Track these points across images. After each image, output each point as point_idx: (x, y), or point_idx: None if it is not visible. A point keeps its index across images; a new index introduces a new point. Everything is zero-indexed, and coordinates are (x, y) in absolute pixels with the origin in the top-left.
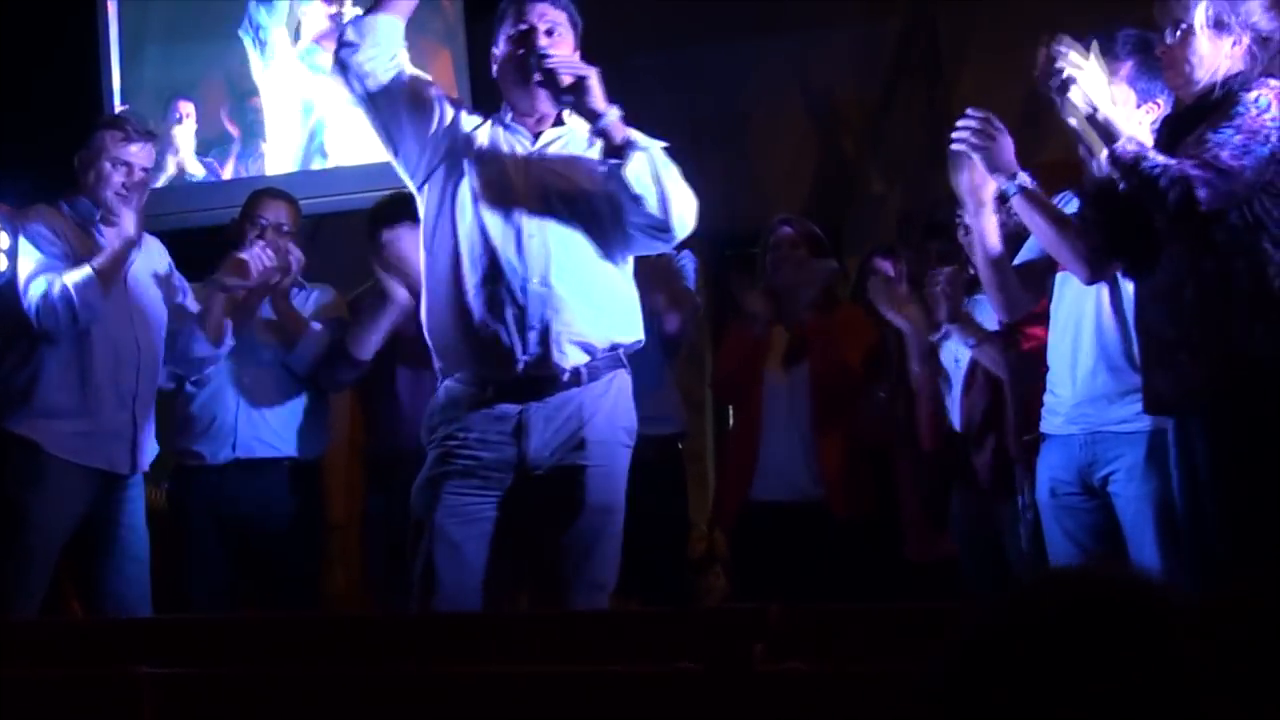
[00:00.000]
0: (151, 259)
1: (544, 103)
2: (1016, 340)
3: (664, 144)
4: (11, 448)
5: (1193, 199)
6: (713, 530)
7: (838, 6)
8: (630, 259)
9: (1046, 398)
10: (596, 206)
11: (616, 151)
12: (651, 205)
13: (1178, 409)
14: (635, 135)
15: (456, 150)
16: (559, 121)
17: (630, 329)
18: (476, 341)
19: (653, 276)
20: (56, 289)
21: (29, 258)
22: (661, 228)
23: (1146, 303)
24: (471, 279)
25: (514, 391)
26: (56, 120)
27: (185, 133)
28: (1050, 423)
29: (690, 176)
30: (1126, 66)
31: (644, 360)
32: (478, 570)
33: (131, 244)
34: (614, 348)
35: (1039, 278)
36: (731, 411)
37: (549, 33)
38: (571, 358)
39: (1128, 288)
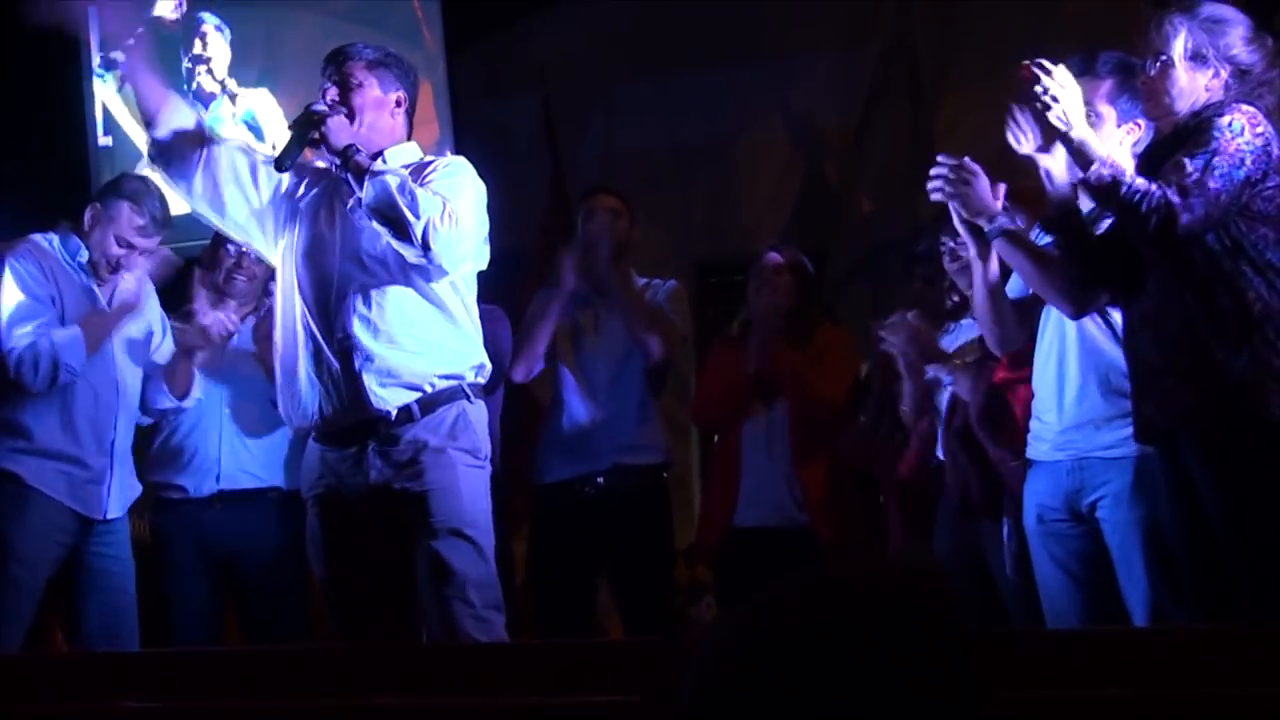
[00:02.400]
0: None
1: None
2: (987, 373)
3: (446, 162)
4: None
5: (1172, 224)
6: (693, 561)
7: (817, 32)
8: (459, 290)
9: (1032, 424)
10: (384, 249)
11: (359, 183)
12: (399, 230)
13: (1167, 435)
14: (379, 166)
15: (288, 213)
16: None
17: (458, 360)
18: (309, 400)
19: (634, 307)
20: (43, 345)
21: (13, 295)
22: (420, 248)
23: (1133, 329)
24: (299, 342)
25: (354, 434)
26: (39, 151)
27: None
28: (1037, 449)
29: (675, 204)
30: (1106, 85)
31: (627, 390)
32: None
33: (129, 311)
34: (449, 378)
35: (1028, 313)
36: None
37: (324, 93)
38: (393, 399)
39: (1113, 314)
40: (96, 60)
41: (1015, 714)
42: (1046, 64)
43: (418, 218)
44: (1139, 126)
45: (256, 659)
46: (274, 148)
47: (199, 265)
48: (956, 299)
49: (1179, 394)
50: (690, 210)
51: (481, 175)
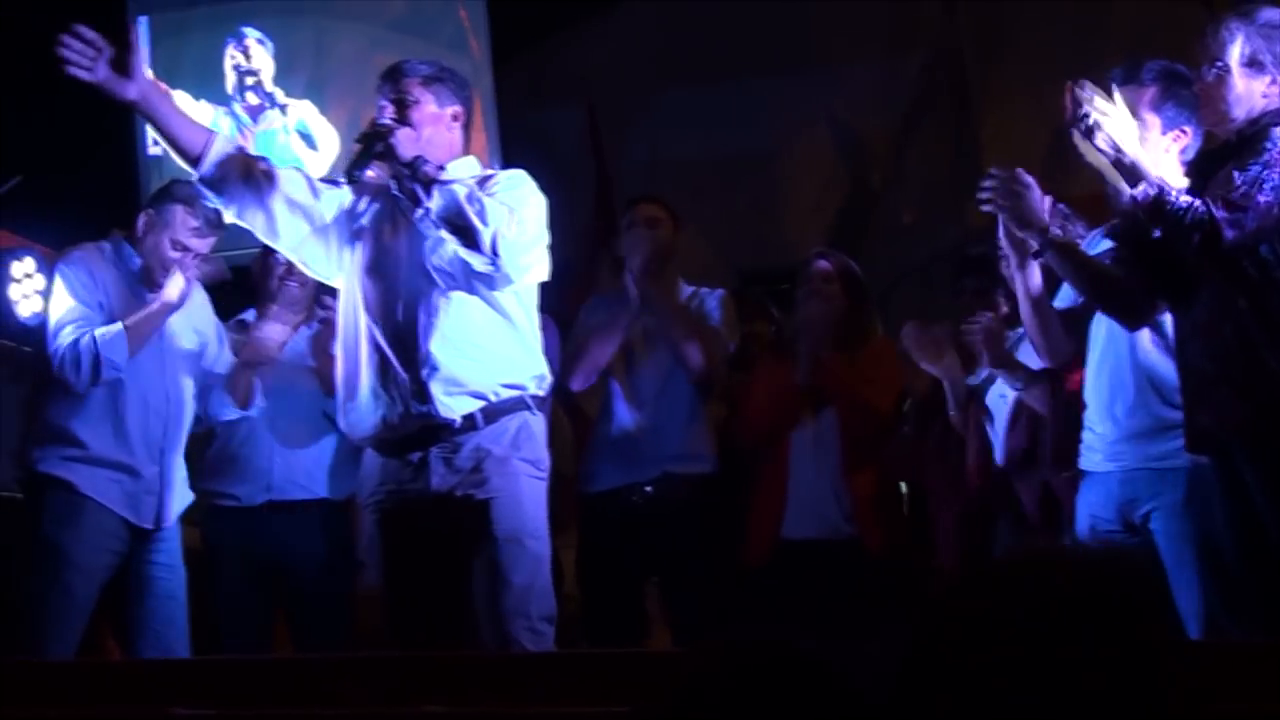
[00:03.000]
0: (193, 311)
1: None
2: (1061, 381)
3: (510, 175)
4: (48, 488)
5: (1217, 239)
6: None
7: (861, 41)
8: (522, 301)
9: (1085, 435)
10: (450, 260)
11: (428, 193)
12: (467, 238)
13: (1220, 445)
14: (445, 176)
15: (350, 231)
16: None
17: (521, 370)
18: (372, 411)
19: (674, 317)
20: (84, 342)
21: (63, 301)
22: (489, 255)
23: (1186, 340)
24: (362, 355)
25: (417, 442)
26: (91, 162)
27: None
28: (1089, 460)
29: (718, 213)
30: (1150, 92)
31: (676, 399)
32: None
33: (170, 309)
34: (512, 388)
35: (1078, 324)
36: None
37: (381, 110)
38: (458, 407)
39: (1165, 324)
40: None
41: None
42: (1087, 90)
43: (486, 225)
44: (1185, 134)
45: (305, 667)
46: (329, 159)
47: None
48: (1007, 309)
49: (1232, 404)
50: (733, 219)
51: None
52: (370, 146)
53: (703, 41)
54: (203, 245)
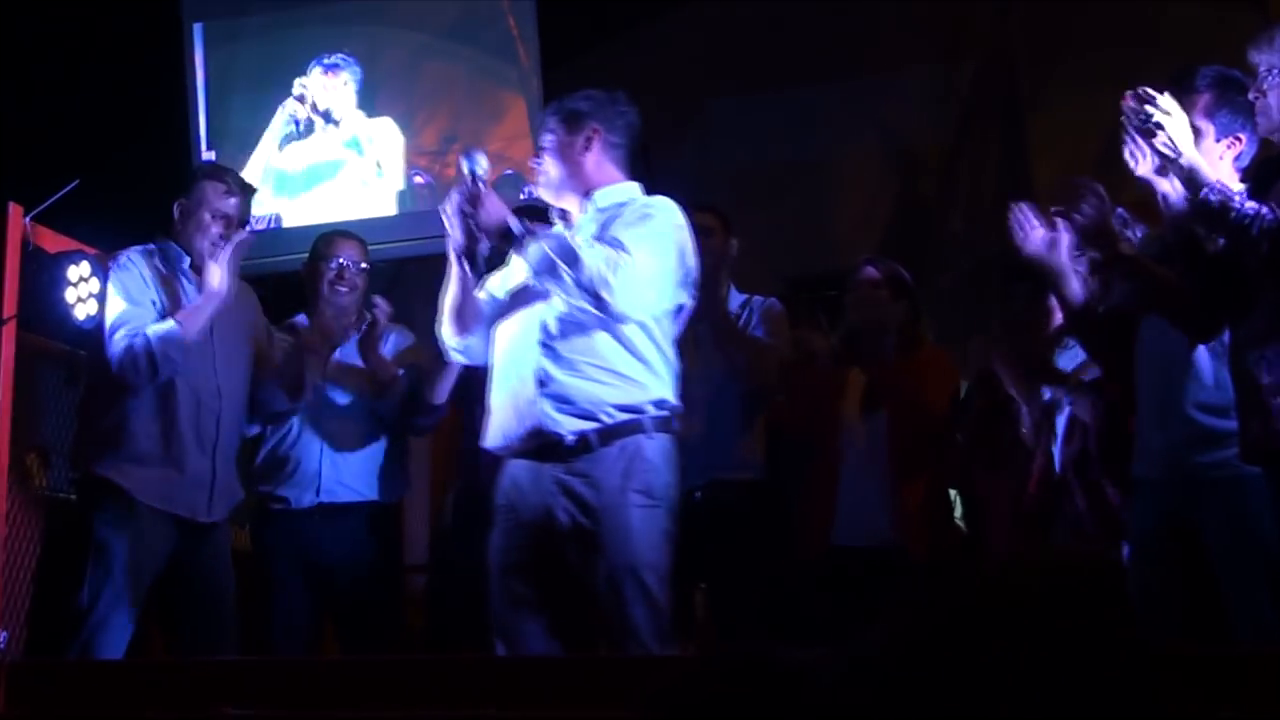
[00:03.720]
0: (241, 307)
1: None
2: (1107, 390)
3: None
4: (101, 491)
5: None
6: None
7: (911, 48)
8: (648, 329)
9: (1137, 442)
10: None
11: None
12: (567, 286)
13: (1274, 454)
14: (546, 228)
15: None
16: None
17: (638, 393)
18: (498, 423)
19: (733, 331)
20: (139, 341)
21: (116, 304)
22: (590, 300)
23: (1240, 347)
24: (498, 369)
25: (535, 455)
26: (146, 166)
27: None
28: (1141, 468)
29: (767, 222)
30: (1204, 99)
31: (725, 407)
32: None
33: (216, 299)
34: (627, 409)
35: (1127, 330)
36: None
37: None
38: (568, 425)
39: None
40: (199, 76)
41: None
42: (1151, 91)
43: (580, 275)
44: (1240, 140)
45: (353, 670)
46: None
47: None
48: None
49: None
50: (782, 227)
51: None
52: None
53: (752, 49)
54: (241, 209)
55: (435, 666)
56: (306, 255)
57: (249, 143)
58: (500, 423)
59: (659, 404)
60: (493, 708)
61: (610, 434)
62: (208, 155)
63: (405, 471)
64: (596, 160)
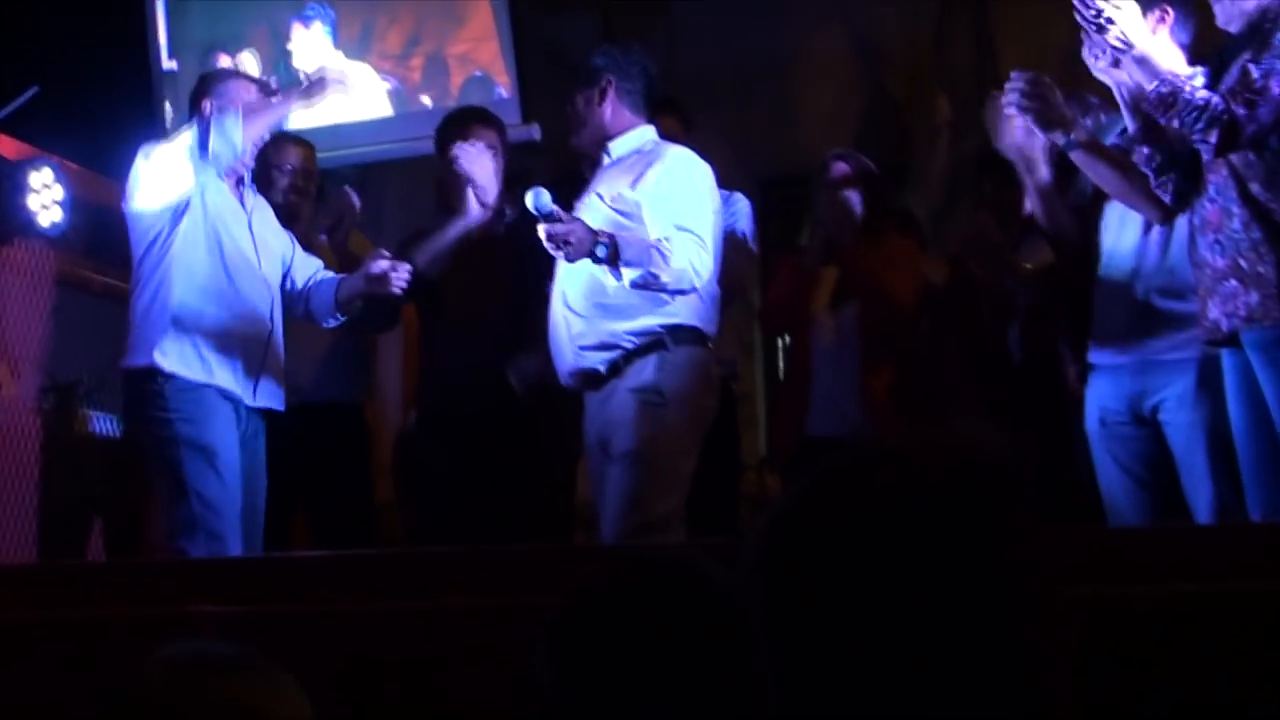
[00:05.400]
0: (268, 218)
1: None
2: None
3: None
4: (174, 390)
5: (1236, 135)
6: (763, 471)
7: None
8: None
9: (1095, 328)
10: None
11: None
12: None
13: (1230, 337)
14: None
15: None
16: None
17: (654, 315)
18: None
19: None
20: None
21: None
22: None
23: (1195, 233)
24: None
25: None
26: (106, 75)
27: None
28: (1097, 353)
29: (737, 120)
30: None
31: None
32: None
33: (287, 102)
34: (645, 334)
35: (1088, 218)
36: (781, 352)
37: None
38: (594, 360)
39: (1179, 218)
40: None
41: (1079, 609)
42: None
43: (672, 274)
44: (1168, 13)
45: (325, 565)
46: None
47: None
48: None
49: (1241, 296)
50: (752, 126)
51: (540, 95)
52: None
53: None
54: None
55: (402, 560)
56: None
57: (210, 53)
58: (559, 358)
59: (675, 325)
60: (461, 597)
61: (632, 356)
62: (169, 65)
63: (366, 370)
64: (613, 109)
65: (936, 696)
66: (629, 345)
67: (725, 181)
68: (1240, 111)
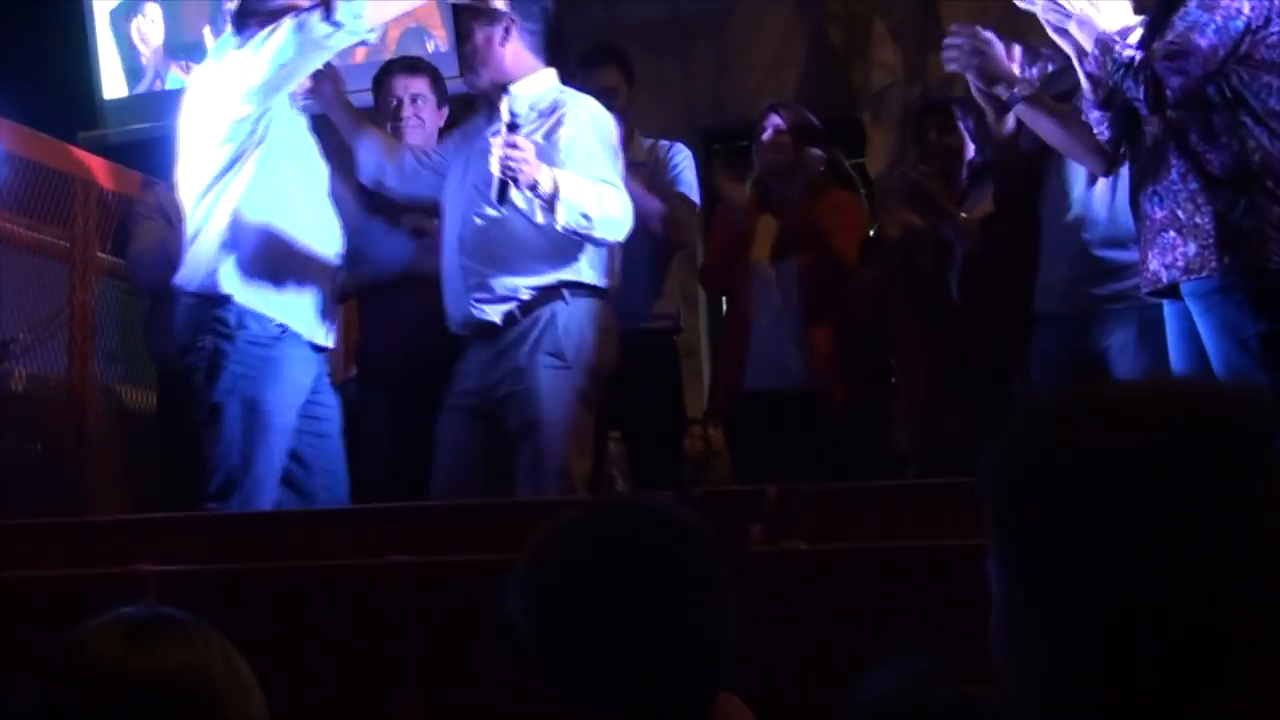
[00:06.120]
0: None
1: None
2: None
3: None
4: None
5: (1161, 90)
6: (707, 425)
7: None
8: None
9: (1040, 278)
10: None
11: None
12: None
13: (1170, 287)
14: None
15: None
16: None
17: (556, 267)
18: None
19: (642, 200)
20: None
21: None
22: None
23: (1134, 184)
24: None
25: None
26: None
27: (152, 29)
28: (1042, 302)
29: (677, 73)
30: None
31: (635, 256)
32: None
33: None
34: (542, 287)
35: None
36: (725, 304)
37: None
38: (492, 311)
39: (1123, 170)
40: None
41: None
42: None
43: (595, 225)
44: None
45: (274, 521)
46: None
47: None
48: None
49: (1179, 247)
50: (693, 77)
51: None
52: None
53: None
54: None
55: (350, 516)
56: None
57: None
58: (450, 306)
59: (574, 279)
60: (409, 553)
61: (528, 308)
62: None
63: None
64: (514, 51)
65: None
66: (526, 297)
67: (667, 132)
68: (1163, 65)
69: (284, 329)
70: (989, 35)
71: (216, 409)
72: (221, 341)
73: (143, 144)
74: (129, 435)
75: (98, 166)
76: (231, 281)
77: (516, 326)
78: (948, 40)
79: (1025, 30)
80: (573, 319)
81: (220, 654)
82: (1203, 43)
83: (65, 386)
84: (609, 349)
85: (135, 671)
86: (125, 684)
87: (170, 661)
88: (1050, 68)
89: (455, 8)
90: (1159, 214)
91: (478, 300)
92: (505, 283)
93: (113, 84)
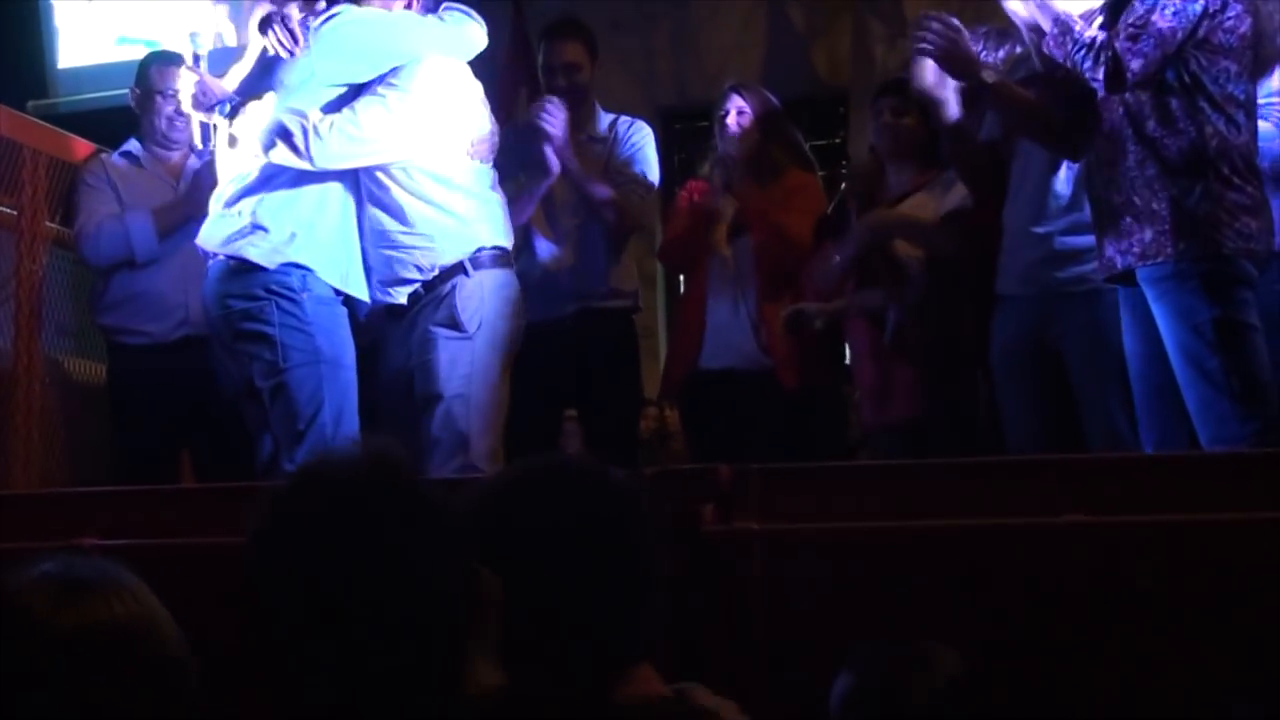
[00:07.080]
0: None
1: None
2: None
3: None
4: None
5: (1122, 72)
6: (662, 405)
7: None
8: (444, 179)
9: (1002, 260)
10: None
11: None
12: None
13: (1126, 272)
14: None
15: None
16: None
17: (453, 245)
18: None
19: (596, 188)
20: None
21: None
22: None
23: (1091, 170)
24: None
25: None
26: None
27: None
28: (1003, 285)
29: (638, 51)
30: None
31: (594, 235)
32: None
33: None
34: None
35: (999, 156)
36: (682, 283)
37: None
38: (397, 295)
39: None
40: None
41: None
42: None
43: (293, 141)
44: None
45: (213, 495)
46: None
47: None
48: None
49: (1135, 232)
50: (654, 56)
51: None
52: None
53: None
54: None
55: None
56: None
57: None
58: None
59: (475, 250)
60: None
61: (430, 286)
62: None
63: None
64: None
65: None
66: (427, 276)
67: (628, 109)
68: (1123, 46)
69: (338, 292)
70: (956, 23)
71: (286, 371)
72: (284, 303)
73: (94, 114)
74: (76, 408)
75: (47, 135)
76: (301, 250)
77: (420, 303)
78: (915, 27)
79: (990, 15)
80: (473, 291)
81: (153, 613)
82: (1162, 24)
83: (11, 358)
84: (516, 318)
85: (59, 625)
86: (52, 640)
87: (98, 614)
88: (1018, 50)
89: None
90: (1116, 199)
91: (381, 283)
92: (408, 262)
93: (67, 54)
